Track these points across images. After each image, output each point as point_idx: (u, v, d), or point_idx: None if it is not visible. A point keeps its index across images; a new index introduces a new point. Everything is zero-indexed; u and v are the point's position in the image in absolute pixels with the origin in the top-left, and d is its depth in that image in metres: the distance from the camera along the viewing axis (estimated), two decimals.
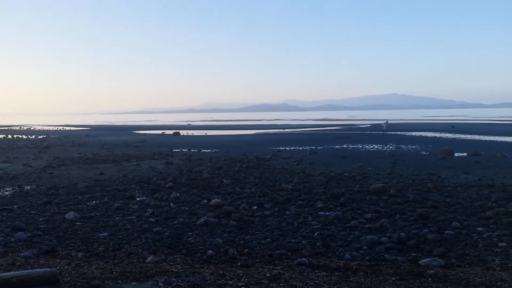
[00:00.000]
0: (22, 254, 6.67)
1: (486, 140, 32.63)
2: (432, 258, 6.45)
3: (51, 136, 46.81)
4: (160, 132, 55.05)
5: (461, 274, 5.56)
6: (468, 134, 40.35)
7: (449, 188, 12.74)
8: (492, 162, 18.80)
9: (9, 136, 45.58)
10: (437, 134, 41.05)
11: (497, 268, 5.95)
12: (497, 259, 6.53)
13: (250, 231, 8.49)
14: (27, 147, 30.20)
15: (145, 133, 52.38)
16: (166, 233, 8.29)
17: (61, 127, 76.86)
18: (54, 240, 7.85)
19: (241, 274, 5.45)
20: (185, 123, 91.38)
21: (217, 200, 11.09)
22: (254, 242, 7.69)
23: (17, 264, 6.00)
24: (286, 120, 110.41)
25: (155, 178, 15.21)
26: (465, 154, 22.85)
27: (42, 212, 10.18)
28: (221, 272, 5.58)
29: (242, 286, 4.94)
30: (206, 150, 27.25)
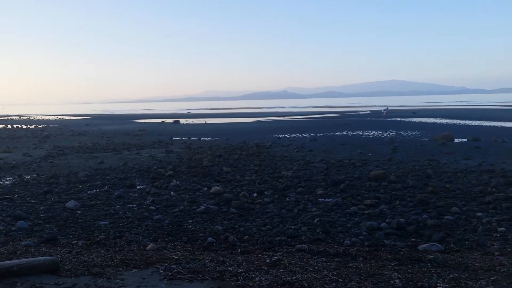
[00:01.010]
0: (23, 243, 6.70)
1: (486, 126, 32.60)
2: (431, 243, 6.47)
3: (51, 125, 46.80)
4: (160, 120, 54.98)
5: (460, 259, 5.58)
6: (468, 119, 40.30)
7: (449, 173, 12.75)
8: (492, 148, 18.79)
9: (9, 126, 45.54)
10: (437, 120, 41.00)
11: (496, 253, 5.98)
12: (496, 244, 6.56)
13: (250, 218, 8.52)
14: (27, 137, 30.18)
15: (145, 122, 52.32)
16: (167, 221, 8.32)
17: (61, 117, 76.79)
18: (54, 229, 7.88)
19: (241, 261, 5.48)
20: (185, 112, 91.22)
21: (217, 187, 11.11)
22: (254, 229, 7.72)
23: (18, 252, 6.02)
24: (286, 107, 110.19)
25: (155, 167, 15.22)
26: (465, 139, 22.84)
27: (43, 201, 10.21)
28: (221, 258, 5.61)
29: (242, 272, 4.97)
30: (206, 138, 27.24)
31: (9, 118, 74.66)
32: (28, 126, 46.51)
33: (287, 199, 10.23)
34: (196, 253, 6.12)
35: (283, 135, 28.48)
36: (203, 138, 27.31)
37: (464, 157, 16.18)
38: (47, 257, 5.31)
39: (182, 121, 51.26)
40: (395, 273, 4.93)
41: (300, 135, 28.24)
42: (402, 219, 7.89)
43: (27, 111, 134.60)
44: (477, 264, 5.32)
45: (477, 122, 36.50)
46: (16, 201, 10.25)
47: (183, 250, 6.28)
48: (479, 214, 8.33)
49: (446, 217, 8.11)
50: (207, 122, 49.65)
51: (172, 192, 11.17)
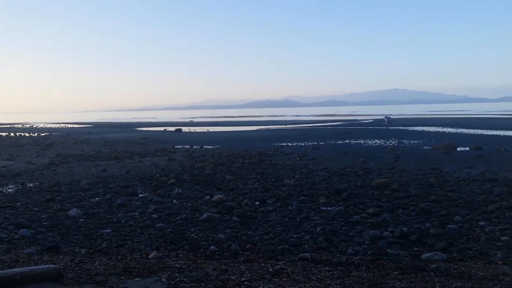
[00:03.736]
0: (25, 251, 6.70)
1: (488, 135, 32.57)
2: (434, 253, 6.45)
3: (54, 133, 46.94)
4: (162, 129, 55.10)
5: (463, 268, 5.56)
6: (470, 128, 40.25)
7: (452, 182, 12.73)
8: (494, 156, 18.77)
9: (12, 134, 45.69)
10: (440, 129, 40.98)
11: (499, 262, 5.95)
12: (499, 253, 6.53)
13: (252, 227, 8.51)
14: (30, 145, 30.28)
15: (147, 130, 52.45)
16: (169, 229, 8.32)
17: (64, 125, 77.05)
18: (57, 237, 7.89)
19: (243, 269, 5.47)
20: (187, 120, 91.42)
21: (219, 196, 11.11)
22: (256, 237, 7.71)
23: (21, 260, 6.03)
24: (288, 116, 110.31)
25: (157, 175, 15.24)
26: (467, 148, 22.82)
27: (45, 209, 10.22)
28: (224, 267, 5.60)
29: (244, 281, 4.96)
30: (208, 147, 27.27)
31: (12, 126, 74.90)
32: (31, 134, 46.67)
33: (290, 207, 10.21)
34: (199, 261, 6.11)
35: (285, 144, 28.51)
36: (205, 146, 27.35)
37: (467, 165, 16.15)
38: (50, 265, 5.32)
39: (185, 129, 51.37)
40: (398, 282, 4.92)
41: (302, 144, 28.25)
42: (405, 228, 7.87)
43: (30, 119, 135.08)
44: (480, 273, 5.30)
45: (479, 131, 36.46)
46: (18, 209, 10.26)
47: (185, 259, 6.28)
48: (482, 223, 8.30)
49: (449, 226, 8.09)
50: (209, 130, 49.73)
51: (174, 200, 11.17)
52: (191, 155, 21.88)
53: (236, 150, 23.90)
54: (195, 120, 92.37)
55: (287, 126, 56.62)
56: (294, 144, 27.94)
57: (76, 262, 5.94)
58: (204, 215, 9.35)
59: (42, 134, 45.15)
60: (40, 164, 18.93)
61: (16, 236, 7.85)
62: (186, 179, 14.22)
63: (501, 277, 5.13)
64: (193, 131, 48.69)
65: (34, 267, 5.23)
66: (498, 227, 7.92)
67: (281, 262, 6.05)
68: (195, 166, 17.25)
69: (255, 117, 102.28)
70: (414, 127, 44.44)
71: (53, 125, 76.15)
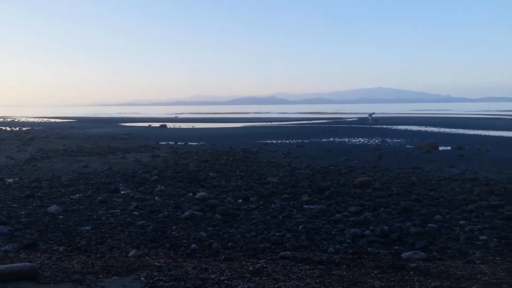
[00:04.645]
0: (2, 249, 6.56)
1: (470, 134, 33.05)
2: (414, 252, 6.51)
3: (36, 128, 46.17)
4: (146, 124, 54.66)
5: (442, 267, 5.62)
6: (453, 128, 40.81)
7: (433, 181, 12.87)
8: (475, 156, 19.04)
9: None
10: (422, 128, 41.44)
11: (478, 261, 6.03)
12: (477, 252, 6.62)
13: (234, 225, 8.48)
14: (11, 139, 29.72)
15: (131, 126, 51.95)
16: (150, 227, 8.24)
17: (46, 119, 75.85)
18: (35, 234, 7.75)
19: (224, 268, 5.44)
20: (172, 116, 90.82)
21: (202, 193, 11.05)
22: (238, 235, 7.69)
23: None
24: (273, 113, 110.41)
25: (140, 171, 15.09)
26: (449, 148, 23.12)
27: (24, 205, 10.04)
28: (204, 266, 5.56)
29: (224, 279, 4.92)
30: (193, 143, 27.13)
31: None
32: (12, 128, 45.86)
33: (273, 205, 10.21)
34: (179, 260, 6.06)
35: (270, 141, 28.51)
36: (189, 143, 27.19)
37: (448, 165, 16.35)
38: (26, 263, 5.20)
39: (169, 125, 51.01)
40: (378, 281, 4.94)
41: (287, 141, 28.30)
42: (385, 227, 7.93)
43: (12, 113, 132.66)
44: (459, 273, 5.35)
45: (461, 131, 36.97)
46: None
47: (166, 257, 6.21)
48: (462, 222, 8.41)
49: (429, 225, 8.18)
50: (195, 126, 49.47)
51: (156, 198, 11.07)
52: (175, 151, 21.73)
53: (220, 147, 23.82)
54: (180, 116, 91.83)
55: (272, 123, 56.64)
56: (279, 142, 27.97)
57: (54, 260, 5.83)
58: (186, 213, 9.29)
59: (23, 129, 44.37)
60: (20, 159, 18.59)
61: None
62: (169, 176, 14.12)
63: (479, 276, 5.19)
64: (178, 127, 48.37)
65: (9, 265, 5.11)
66: (477, 226, 8.03)
67: (262, 260, 6.03)
68: (179, 163, 17.13)
69: (241, 114, 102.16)
70: (398, 126, 44.86)
71: (35, 119, 74.93)
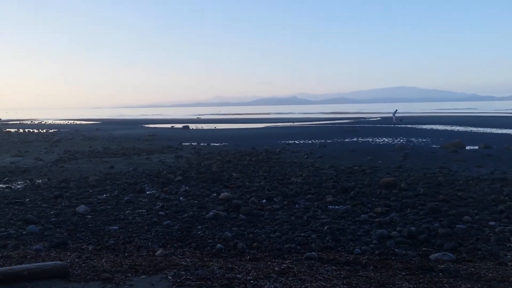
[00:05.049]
0: (33, 247, 6.73)
1: (497, 133, 32.26)
2: (443, 253, 6.38)
3: (62, 130, 47.21)
4: (169, 126, 55.20)
5: (473, 269, 5.50)
6: (479, 127, 39.91)
7: (461, 181, 12.61)
8: (504, 155, 18.57)
9: (21, 130, 46.02)
10: (448, 127, 40.67)
11: (510, 263, 5.88)
12: (509, 254, 6.45)
13: (259, 225, 8.49)
14: (39, 141, 30.47)
15: (155, 127, 52.58)
16: (176, 227, 8.32)
17: (72, 121, 77.47)
18: (65, 233, 7.92)
19: (250, 268, 5.45)
20: (194, 117, 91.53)
21: (226, 193, 11.10)
22: (263, 236, 7.69)
23: (28, 257, 6.05)
24: (295, 113, 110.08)
25: (164, 172, 15.26)
26: (476, 147, 22.61)
27: (53, 205, 10.27)
28: (230, 265, 5.58)
29: (251, 279, 4.94)
30: (215, 144, 27.27)
31: (21, 122, 75.47)
32: (40, 130, 46.97)
33: (297, 205, 10.18)
34: (205, 259, 6.10)
35: (293, 141, 28.43)
36: (212, 144, 27.35)
37: (476, 164, 16.00)
38: (57, 262, 5.33)
39: (192, 126, 51.43)
40: (406, 283, 4.87)
41: (310, 141, 28.17)
42: (413, 228, 7.80)
43: (39, 115, 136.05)
44: (490, 275, 5.23)
45: (488, 130, 36.12)
46: (27, 205, 10.32)
47: (192, 257, 6.27)
48: (492, 223, 8.21)
49: (458, 226, 8.01)
50: (217, 127, 49.74)
51: (181, 198, 11.18)
52: (198, 152, 21.89)
53: (243, 148, 23.88)
54: (202, 117, 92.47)
55: (294, 123, 56.49)
56: (301, 142, 27.86)
57: (83, 258, 5.95)
58: (211, 213, 9.34)
59: (50, 131, 45.43)
60: (48, 161, 19.03)
61: (24, 232, 7.88)
62: (193, 177, 14.23)
63: (511, 278, 5.06)
64: (200, 128, 48.73)
65: (41, 263, 5.24)
66: (508, 227, 7.83)
67: (288, 261, 6.02)
68: (202, 164, 17.25)
69: (262, 115, 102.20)
70: (423, 125, 44.13)
71: (62, 122, 76.62)
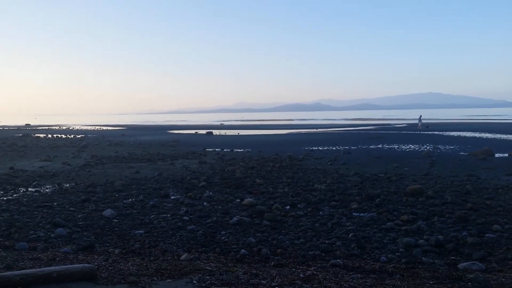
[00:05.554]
0: (61, 250, 6.89)
1: None
2: (471, 262, 6.22)
3: (89, 135, 48.20)
4: (193, 131, 55.71)
5: (503, 279, 5.34)
6: (509, 134, 38.84)
7: (490, 190, 12.29)
8: None
9: (49, 136, 47.22)
10: (476, 134, 39.73)
11: None
12: None
13: (283, 231, 8.46)
14: (66, 146, 31.20)
15: (179, 133, 53.15)
16: (200, 232, 8.37)
17: (98, 127, 79.06)
18: (92, 237, 8.07)
19: (274, 274, 5.43)
20: (218, 123, 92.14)
21: (249, 199, 11.11)
22: (287, 242, 7.66)
23: (57, 259, 6.19)
24: (318, 119, 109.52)
25: (188, 177, 15.39)
26: (506, 154, 22.00)
27: (81, 209, 10.49)
28: (254, 271, 5.58)
29: (275, 286, 4.92)
30: (239, 150, 27.36)
31: (49, 128, 77.45)
32: (67, 135, 48.08)
33: (321, 212, 10.10)
34: (229, 264, 6.11)
35: (316, 148, 28.28)
36: (235, 150, 27.45)
37: (506, 172, 15.56)
38: (85, 264, 5.43)
39: (215, 132, 51.76)
40: None
41: (334, 148, 27.96)
42: (440, 236, 7.64)
43: (67, 121, 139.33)
44: None
45: None
46: (55, 208, 10.57)
47: (216, 261, 6.29)
48: None
49: (487, 235, 7.80)
50: (240, 133, 49.91)
51: (205, 203, 11.25)
52: (221, 158, 22.01)
53: (266, 154, 23.88)
54: (226, 123, 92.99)
55: (318, 130, 56.19)
56: (325, 149, 27.68)
57: (110, 262, 6.05)
58: (235, 219, 9.36)
59: (78, 136, 46.44)
60: (76, 165, 19.46)
61: (52, 235, 8.08)
62: (216, 182, 14.30)
63: None
64: (224, 134, 49.00)
65: (70, 266, 5.35)
66: None
67: (312, 268, 5.98)
68: (226, 169, 17.33)
69: (285, 121, 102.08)
70: (450, 132, 43.25)
71: (88, 127, 78.28)
